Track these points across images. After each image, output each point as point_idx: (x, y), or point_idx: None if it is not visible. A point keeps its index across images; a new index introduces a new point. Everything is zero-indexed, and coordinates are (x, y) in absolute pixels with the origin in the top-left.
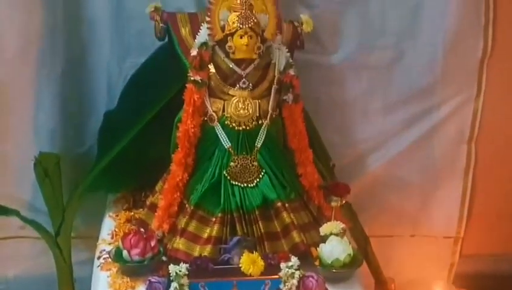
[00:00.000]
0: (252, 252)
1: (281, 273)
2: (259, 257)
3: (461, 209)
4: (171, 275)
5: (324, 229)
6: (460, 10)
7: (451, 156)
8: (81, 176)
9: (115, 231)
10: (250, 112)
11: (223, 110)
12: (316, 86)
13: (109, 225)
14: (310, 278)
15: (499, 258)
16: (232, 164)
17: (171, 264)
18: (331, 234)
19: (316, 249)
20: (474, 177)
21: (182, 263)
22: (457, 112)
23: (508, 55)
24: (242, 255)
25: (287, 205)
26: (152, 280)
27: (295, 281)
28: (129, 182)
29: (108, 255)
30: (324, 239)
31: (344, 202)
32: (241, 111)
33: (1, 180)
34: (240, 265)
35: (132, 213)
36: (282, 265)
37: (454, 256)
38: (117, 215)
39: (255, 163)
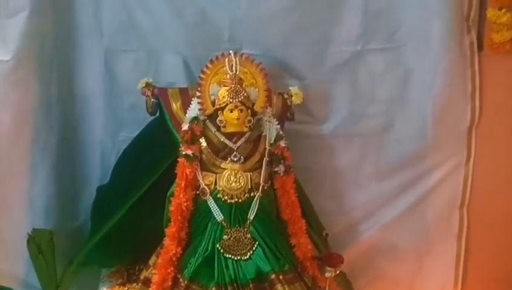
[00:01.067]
0: None
1: None
2: None
3: (456, 274)
4: None
5: None
6: (447, 78)
7: (444, 221)
8: (75, 251)
9: None
10: (242, 184)
11: (215, 184)
12: (308, 155)
13: None
14: None
15: None
16: (225, 237)
17: None
18: None
19: None
20: (467, 242)
21: None
22: (448, 177)
23: (495, 121)
24: None
25: (281, 277)
26: None
27: None
28: (123, 257)
29: None
30: None
31: (338, 272)
32: (233, 184)
33: None
34: None
35: (126, 288)
36: None
37: None
38: None
39: (248, 235)
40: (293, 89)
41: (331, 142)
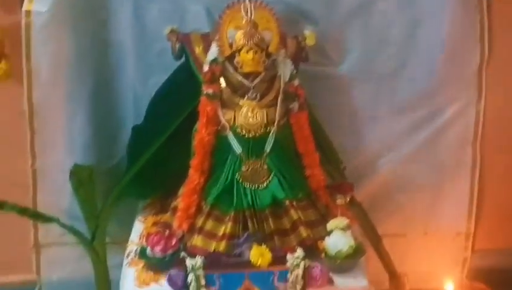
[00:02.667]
0: (261, 245)
1: (288, 264)
2: (267, 250)
3: (470, 206)
4: (188, 268)
5: (330, 225)
6: (456, 19)
7: (457, 156)
8: (113, 186)
9: (143, 233)
10: (259, 120)
11: (234, 120)
12: (326, 95)
13: (138, 228)
14: (315, 268)
15: (510, 253)
16: (243, 168)
17: (188, 259)
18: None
19: (322, 243)
20: (480, 176)
21: (198, 257)
22: (460, 115)
23: (505, 60)
24: (252, 249)
25: (295, 203)
26: (172, 273)
27: (300, 271)
28: (157, 189)
29: (134, 255)
30: (330, 234)
31: (348, 199)
32: (251, 120)
33: (42, 191)
34: (250, 258)
35: (159, 217)
36: (289, 256)
37: (466, 251)
38: (146, 219)
39: (265, 167)
40: (307, 31)
41: (347, 82)
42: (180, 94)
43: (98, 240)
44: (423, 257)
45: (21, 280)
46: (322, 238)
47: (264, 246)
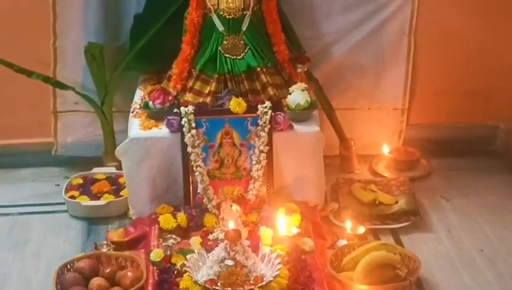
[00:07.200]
0: (238, 98)
1: (258, 112)
2: (243, 101)
3: (405, 87)
4: (182, 113)
5: (292, 87)
6: None
7: (396, 45)
8: (119, 62)
9: (143, 96)
10: (237, 4)
11: (218, 4)
12: None
13: (139, 94)
14: (279, 116)
15: (437, 126)
16: (224, 42)
17: (182, 107)
18: None
19: (285, 100)
20: (414, 62)
21: (190, 106)
22: (399, 11)
23: None
24: (231, 100)
25: (264, 70)
26: (169, 117)
27: (268, 117)
28: (154, 65)
29: (139, 109)
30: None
31: (305, 69)
32: (231, 4)
33: (61, 66)
34: (229, 107)
35: (156, 86)
36: (259, 106)
37: (401, 124)
38: (145, 88)
39: (242, 42)
40: None
41: None
42: None
43: (107, 105)
44: (367, 128)
45: (41, 142)
46: (285, 98)
47: (240, 98)
